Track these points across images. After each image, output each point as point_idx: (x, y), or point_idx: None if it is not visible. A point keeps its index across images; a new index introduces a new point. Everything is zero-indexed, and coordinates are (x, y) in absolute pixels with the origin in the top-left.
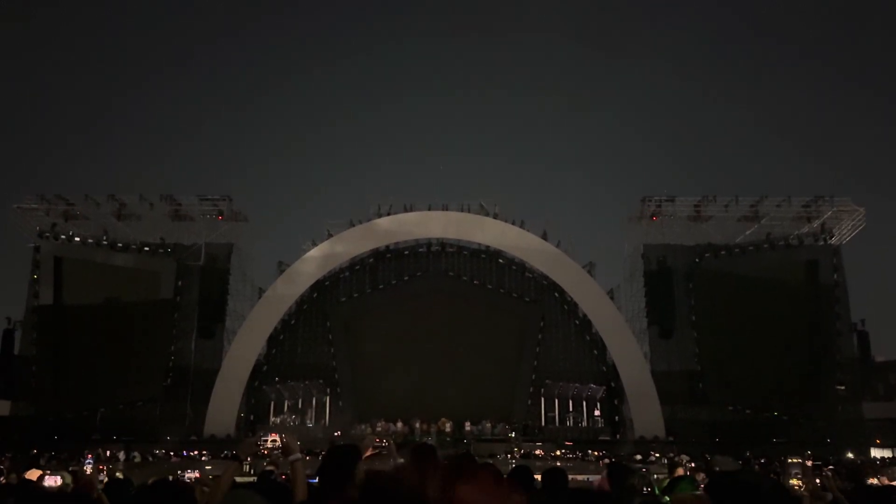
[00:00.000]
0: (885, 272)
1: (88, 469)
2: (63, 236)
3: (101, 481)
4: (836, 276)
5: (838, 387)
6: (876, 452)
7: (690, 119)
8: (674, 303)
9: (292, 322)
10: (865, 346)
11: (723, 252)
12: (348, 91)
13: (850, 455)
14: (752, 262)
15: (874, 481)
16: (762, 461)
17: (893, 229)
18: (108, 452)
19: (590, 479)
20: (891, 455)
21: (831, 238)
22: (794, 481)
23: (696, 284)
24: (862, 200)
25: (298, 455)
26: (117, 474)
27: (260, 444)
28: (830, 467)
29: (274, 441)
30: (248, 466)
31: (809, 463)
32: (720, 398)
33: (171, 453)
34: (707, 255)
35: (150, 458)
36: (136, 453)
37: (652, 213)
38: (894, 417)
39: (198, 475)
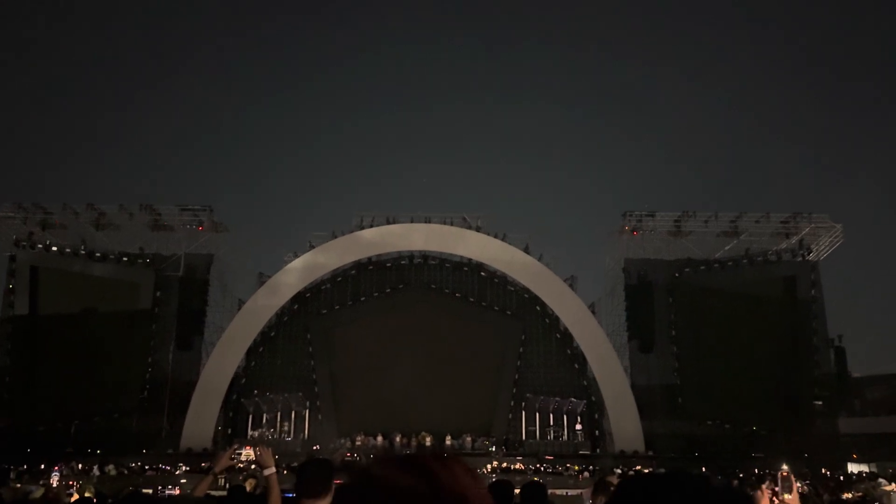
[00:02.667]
0: (862, 288)
1: (55, 482)
2: (40, 245)
3: (70, 495)
4: (813, 291)
5: (815, 402)
6: (852, 467)
7: (671, 135)
8: (654, 317)
9: (272, 334)
10: (842, 362)
11: (702, 267)
12: (331, 102)
13: (824, 471)
14: (731, 278)
15: (848, 496)
16: (740, 475)
17: (871, 246)
18: (80, 466)
19: (568, 494)
20: (867, 470)
21: (809, 254)
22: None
23: (675, 299)
24: (839, 217)
25: (273, 469)
26: (89, 488)
27: (234, 458)
28: (807, 482)
29: (248, 455)
30: (223, 480)
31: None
32: (699, 412)
33: (147, 467)
34: (687, 269)
35: (126, 472)
36: (111, 466)
37: (633, 227)
38: (870, 433)
39: (177, 492)
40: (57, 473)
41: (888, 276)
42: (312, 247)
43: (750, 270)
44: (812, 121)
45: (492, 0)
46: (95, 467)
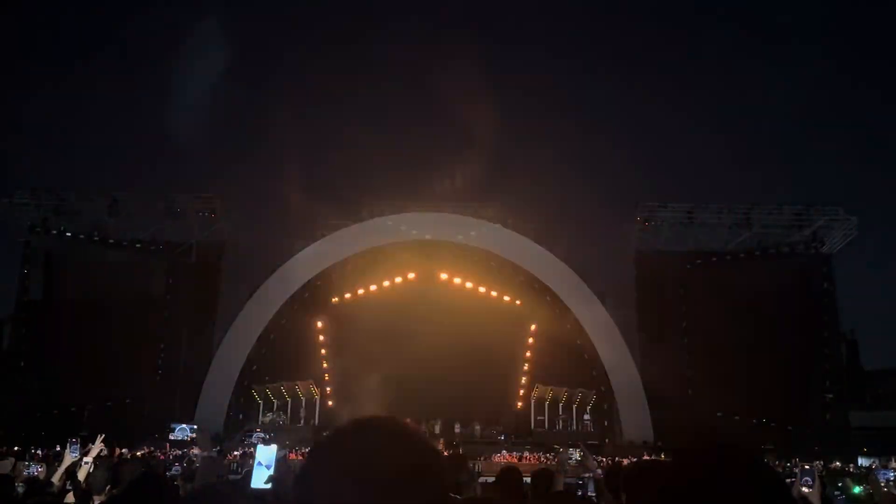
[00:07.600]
0: (875, 282)
1: (69, 459)
2: (54, 231)
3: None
4: (826, 284)
5: (826, 395)
6: (863, 461)
7: (684, 124)
8: (665, 308)
9: (283, 321)
10: (854, 355)
11: (714, 259)
12: (342, 88)
13: (837, 463)
14: (743, 269)
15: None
16: None
17: (885, 239)
18: (87, 447)
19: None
20: (877, 464)
21: (822, 246)
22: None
23: (687, 290)
24: (854, 209)
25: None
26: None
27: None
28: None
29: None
30: (237, 465)
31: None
32: (709, 404)
33: (158, 452)
34: (699, 261)
35: (140, 455)
36: (124, 451)
37: (645, 218)
38: (881, 426)
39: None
40: (75, 454)
41: None
42: (323, 235)
43: (762, 262)
44: (827, 111)
45: None
46: (95, 450)
